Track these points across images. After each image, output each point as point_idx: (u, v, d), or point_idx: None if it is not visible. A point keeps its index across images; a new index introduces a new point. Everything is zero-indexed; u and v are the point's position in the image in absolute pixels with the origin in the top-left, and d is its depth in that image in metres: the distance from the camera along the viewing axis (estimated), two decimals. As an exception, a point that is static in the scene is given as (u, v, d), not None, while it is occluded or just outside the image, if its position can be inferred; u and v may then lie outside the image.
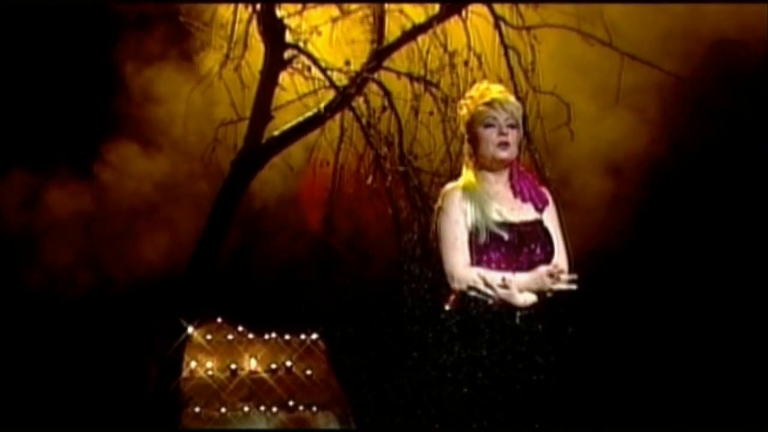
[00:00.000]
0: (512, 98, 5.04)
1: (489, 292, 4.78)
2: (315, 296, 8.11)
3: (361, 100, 8.12)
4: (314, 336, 8.36)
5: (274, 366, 8.36)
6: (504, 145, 4.93)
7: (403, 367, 5.00)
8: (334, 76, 8.10)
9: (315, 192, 8.21)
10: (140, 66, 8.14)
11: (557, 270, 4.77)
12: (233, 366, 8.32)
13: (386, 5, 8.07)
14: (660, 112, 7.98)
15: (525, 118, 5.68)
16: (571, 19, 7.90)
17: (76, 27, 7.96)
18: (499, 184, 4.98)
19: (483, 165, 4.97)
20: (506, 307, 4.80)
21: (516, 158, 5.00)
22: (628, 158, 7.97)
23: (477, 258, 4.86)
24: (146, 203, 8.18)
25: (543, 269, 4.78)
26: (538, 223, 4.96)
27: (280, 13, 8.08)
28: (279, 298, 8.15)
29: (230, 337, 8.37)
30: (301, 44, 8.11)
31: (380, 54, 8.10)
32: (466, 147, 5.03)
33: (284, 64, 8.13)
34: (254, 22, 8.12)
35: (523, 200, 4.98)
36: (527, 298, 4.81)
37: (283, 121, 8.23)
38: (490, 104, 4.95)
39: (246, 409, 8.29)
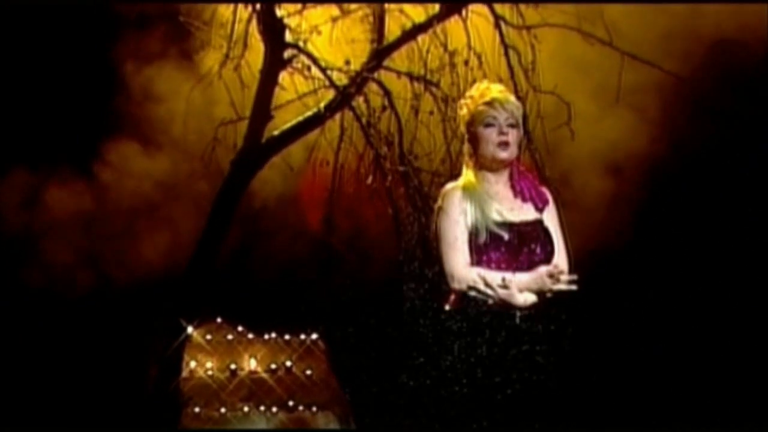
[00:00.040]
0: (512, 98, 5.04)
1: (489, 292, 4.78)
2: (315, 296, 8.11)
3: (361, 99, 8.11)
4: (314, 336, 8.35)
5: (273, 366, 8.35)
6: (504, 144, 4.92)
7: (403, 367, 5.00)
8: (334, 75, 8.10)
9: (315, 192, 8.21)
10: (140, 65, 8.13)
11: (557, 270, 4.77)
12: (233, 366, 8.32)
13: (386, 5, 8.07)
14: (660, 111, 7.98)
15: (525, 117, 5.67)
16: (571, 19, 7.89)
17: (77, 26, 7.96)
18: (499, 184, 4.98)
19: (483, 165, 4.97)
20: (506, 307, 4.80)
21: (516, 158, 4.99)
22: (629, 158, 7.97)
23: (477, 258, 4.85)
24: (146, 203, 8.18)
25: (543, 270, 4.78)
26: (538, 223, 4.96)
27: (279, 12, 8.08)
28: (279, 298, 8.15)
29: (230, 337, 8.37)
30: (301, 44, 8.10)
31: (380, 53, 8.10)
32: (466, 147, 5.02)
33: (284, 63, 8.13)
34: (254, 22, 8.11)
35: (524, 200, 4.98)
36: (527, 298, 4.81)
37: (282, 121, 8.22)
38: (490, 104, 4.95)
39: (246, 409, 8.28)
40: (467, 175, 4.98)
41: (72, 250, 8.10)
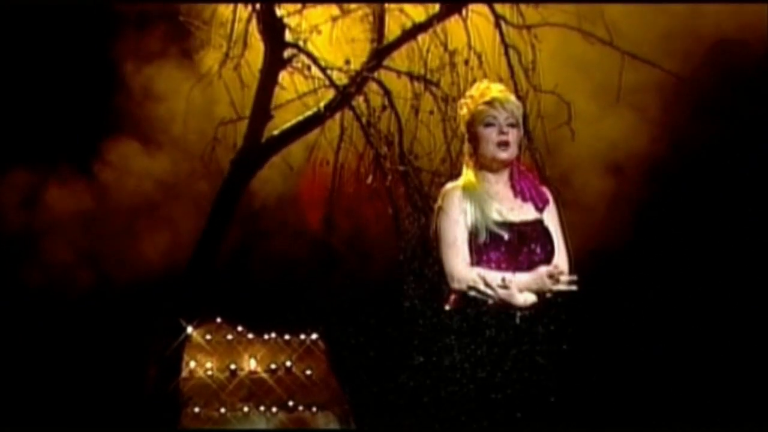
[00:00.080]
0: (512, 97, 5.04)
1: (489, 292, 4.77)
2: (315, 296, 8.10)
3: (361, 99, 8.11)
4: (314, 336, 8.35)
5: (273, 366, 8.35)
6: (504, 144, 4.92)
7: (402, 367, 5.00)
8: (334, 75, 8.09)
9: (315, 191, 8.20)
10: (140, 64, 8.13)
11: (557, 271, 4.76)
12: (233, 366, 8.31)
13: (386, 4, 8.06)
14: (660, 111, 7.98)
15: (525, 117, 5.68)
16: (571, 18, 7.89)
17: (77, 25, 7.96)
18: (499, 184, 4.97)
19: (483, 164, 4.96)
20: (506, 307, 4.79)
21: (516, 158, 4.99)
22: (629, 157, 7.97)
23: (477, 258, 4.85)
24: (146, 202, 8.18)
25: (543, 270, 4.78)
26: (539, 223, 4.95)
27: (279, 11, 8.07)
28: (279, 298, 8.15)
29: (230, 337, 8.36)
30: (300, 43, 8.10)
31: (380, 53, 8.09)
32: (467, 146, 5.02)
33: (284, 63, 8.12)
34: (254, 21, 8.11)
35: (524, 200, 4.97)
36: (527, 298, 4.80)
37: (282, 121, 8.22)
38: (490, 103, 4.95)
39: (245, 409, 8.28)
40: (467, 174, 4.98)
41: (72, 249, 8.10)
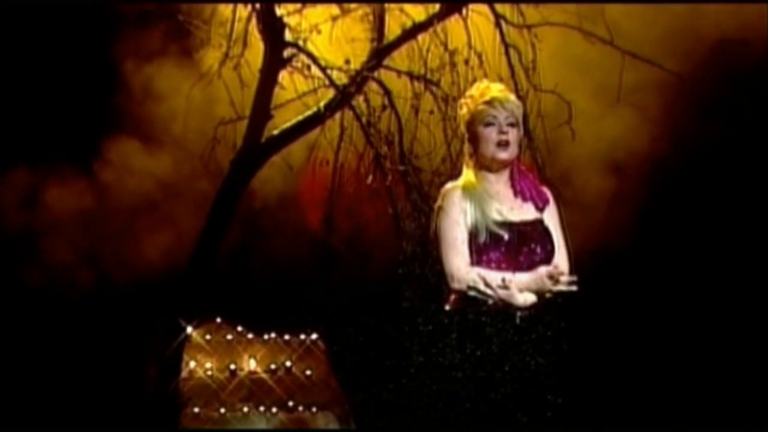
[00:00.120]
0: (512, 97, 5.03)
1: (489, 292, 4.76)
2: (315, 296, 8.10)
3: (361, 98, 8.10)
4: (314, 336, 8.34)
5: (273, 366, 8.34)
6: (504, 144, 4.91)
7: (402, 367, 4.99)
8: (334, 74, 8.09)
9: (315, 191, 8.20)
10: (140, 63, 8.13)
11: (557, 271, 4.76)
12: (232, 366, 8.31)
13: (386, 3, 8.06)
14: (661, 110, 7.97)
15: (526, 116, 5.68)
16: (572, 18, 7.88)
17: (77, 25, 7.95)
18: (499, 184, 4.97)
19: (483, 164, 4.95)
20: (506, 308, 4.79)
21: (516, 157, 4.98)
22: (629, 157, 7.97)
23: (477, 258, 4.84)
24: (146, 201, 8.17)
25: (543, 270, 4.77)
26: (539, 223, 4.94)
27: (279, 11, 8.07)
28: (279, 298, 8.14)
29: (229, 337, 8.36)
30: (300, 43, 8.09)
31: (380, 52, 8.09)
32: (467, 146, 5.01)
33: (284, 62, 8.12)
34: (254, 21, 8.11)
35: (524, 200, 4.97)
36: (527, 299, 4.80)
37: (282, 120, 8.22)
38: (490, 103, 4.94)
39: (245, 409, 8.27)
40: (467, 174, 4.97)
41: (72, 249, 8.10)
